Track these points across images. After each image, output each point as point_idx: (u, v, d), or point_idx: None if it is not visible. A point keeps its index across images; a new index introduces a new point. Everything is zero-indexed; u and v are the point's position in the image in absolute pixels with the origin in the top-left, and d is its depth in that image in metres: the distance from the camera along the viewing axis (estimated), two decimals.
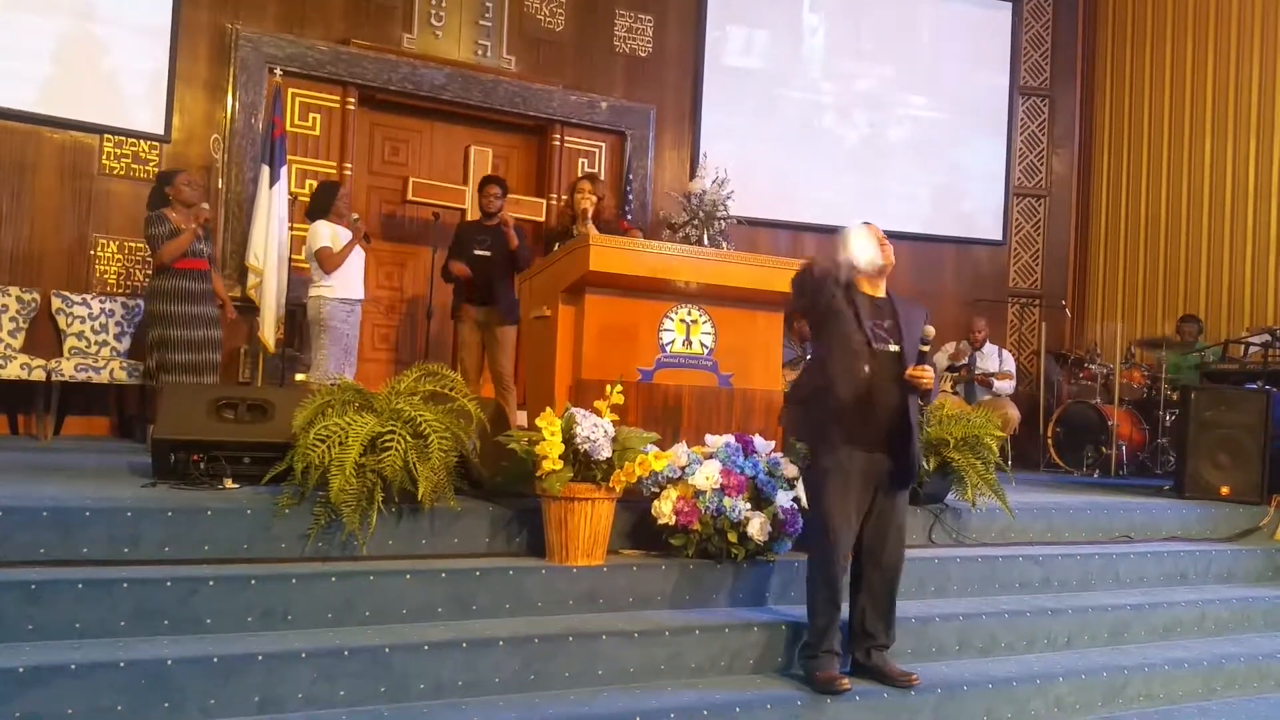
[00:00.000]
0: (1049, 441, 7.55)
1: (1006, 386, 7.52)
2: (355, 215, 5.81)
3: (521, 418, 4.98)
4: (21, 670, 2.59)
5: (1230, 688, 4.14)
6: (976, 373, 7.50)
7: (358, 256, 5.75)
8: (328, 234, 5.61)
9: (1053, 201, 9.25)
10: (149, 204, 5.59)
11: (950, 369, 7.52)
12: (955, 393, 7.43)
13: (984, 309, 8.43)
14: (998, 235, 9.13)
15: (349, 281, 5.67)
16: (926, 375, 3.31)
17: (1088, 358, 7.82)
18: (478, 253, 5.96)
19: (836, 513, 3.29)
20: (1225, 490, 5.51)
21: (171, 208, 5.52)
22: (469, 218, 6.97)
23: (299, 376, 5.90)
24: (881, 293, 3.44)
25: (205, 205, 5.62)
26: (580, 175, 6.37)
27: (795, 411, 3.54)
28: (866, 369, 3.27)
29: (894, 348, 3.34)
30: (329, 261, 5.56)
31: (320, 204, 5.75)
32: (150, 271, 5.76)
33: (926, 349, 3.34)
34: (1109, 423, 7.20)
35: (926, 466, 4.25)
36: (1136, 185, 8.87)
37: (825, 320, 3.34)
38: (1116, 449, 7.17)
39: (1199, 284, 8.35)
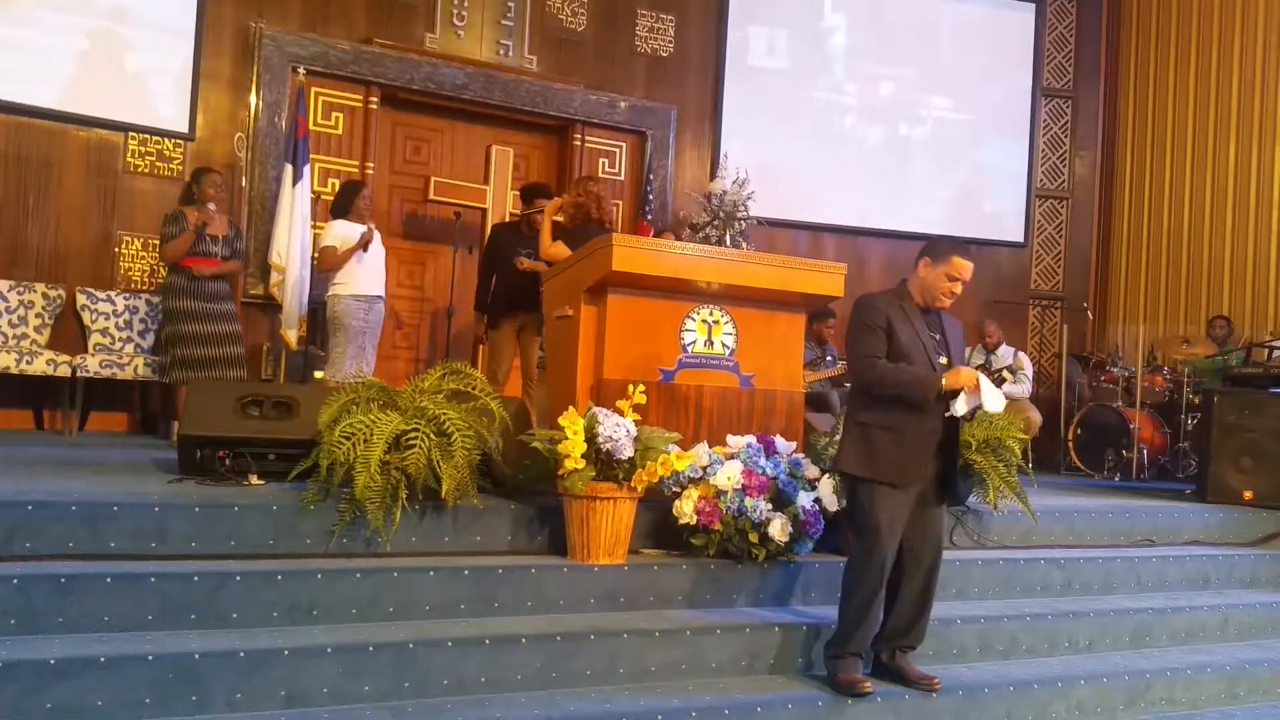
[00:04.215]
0: (1070, 444, 7.51)
1: (1020, 389, 7.47)
2: (371, 225, 5.79)
3: None
4: (53, 662, 2.62)
5: (1254, 693, 4.12)
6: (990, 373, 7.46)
7: (377, 253, 5.73)
8: (334, 234, 5.62)
9: (1075, 203, 9.19)
10: (181, 199, 5.64)
11: None
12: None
13: (1000, 311, 8.38)
14: (1019, 237, 9.09)
15: (362, 278, 5.63)
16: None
17: (1109, 360, 7.77)
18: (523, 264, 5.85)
19: (884, 517, 3.27)
20: (1248, 495, 5.47)
21: (195, 205, 5.57)
22: (494, 218, 6.97)
23: (316, 374, 5.93)
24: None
25: (211, 206, 5.61)
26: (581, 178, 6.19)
27: (860, 450, 3.36)
28: (941, 404, 3.25)
29: (944, 359, 3.35)
30: (325, 260, 5.59)
31: (342, 203, 5.77)
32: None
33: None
34: (1130, 426, 7.15)
35: None
36: (1160, 187, 8.80)
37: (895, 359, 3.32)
38: (1138, 452, 7.13)
39: (1222, 287, 8.28)
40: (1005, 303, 8.65)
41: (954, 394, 3.21)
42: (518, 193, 6.34)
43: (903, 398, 3.26)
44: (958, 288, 3.34)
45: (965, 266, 3.32)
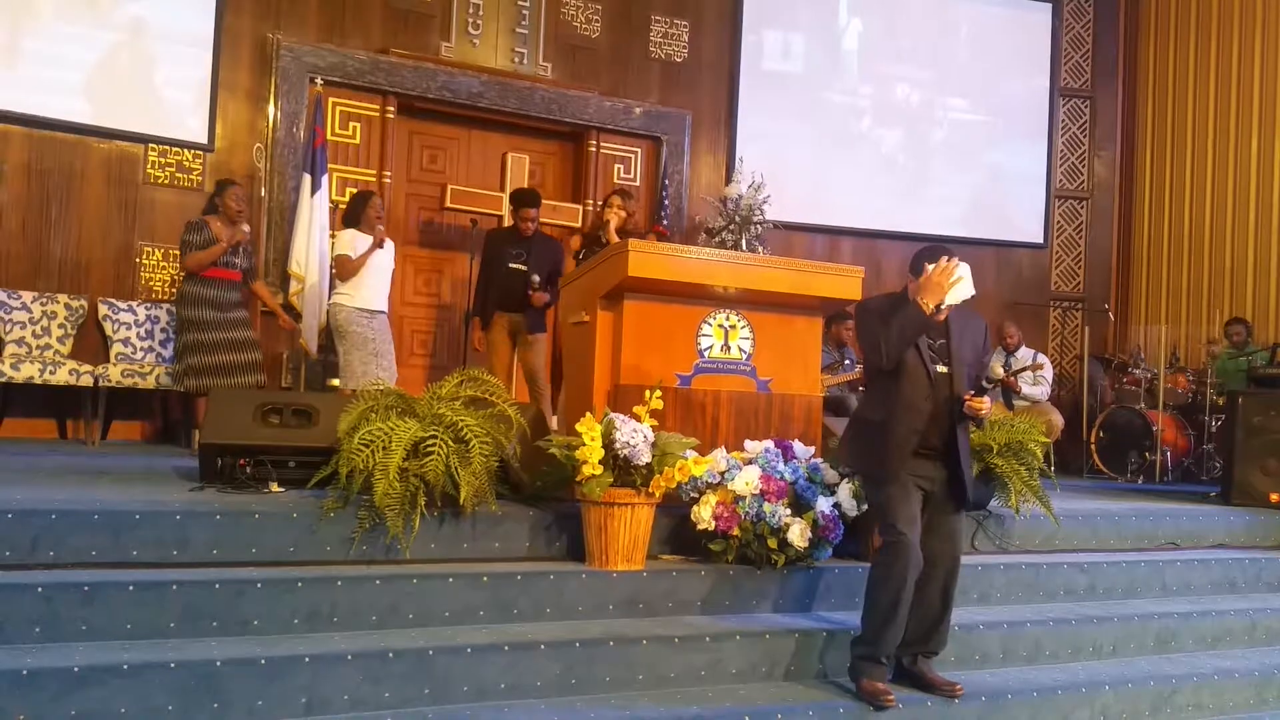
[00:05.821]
0: (1092, 447, 7.45)
1: (1040, 392, 7.42)
2: (380, 229, 5.82)
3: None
4: (77, 670, 2.64)
5: None
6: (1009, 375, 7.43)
7: (384, 269, 5.76)
8: (347, 241, 5.65)
9: (1095, 204, 9.12)
10: (205, 209, 5.77)
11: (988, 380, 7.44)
12: (991, 396, 7.34)
13: (1020, 313, 8.33)
14: (1039, 238, 9.03)
15: (366, 292, 5.65)
16: (984, 408, 3.33)
17: (1131, 362, 7.71)
18: (512, 266, 5.94)
19: (902, 515, 3.27)
20: (1275, 497, 5.38)
21: (218, 215, 5.67)
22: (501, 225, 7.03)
23: (332, 382, 5.98)
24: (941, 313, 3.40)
25: (246, 228, 5.71)
26: (614, 189, 6.41)
27: (854, 445, 3.46)
28: (929, 403, 3.28)
29: (942, 369, 3.34)
30: (343, 268, 5.62)
31: (352, 213, 5.80)
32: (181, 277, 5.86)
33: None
34: (1153, 428, 7.08)
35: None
36: (1180, 186, 8.73)
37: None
38: (1161, 455, 7.05)
39: (1245, 286, 8.19)
40: (1025, 304, 8.59)
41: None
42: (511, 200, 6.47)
43: (907, 338, 3.28)
44: None
45: (954, 277, 3.31)
